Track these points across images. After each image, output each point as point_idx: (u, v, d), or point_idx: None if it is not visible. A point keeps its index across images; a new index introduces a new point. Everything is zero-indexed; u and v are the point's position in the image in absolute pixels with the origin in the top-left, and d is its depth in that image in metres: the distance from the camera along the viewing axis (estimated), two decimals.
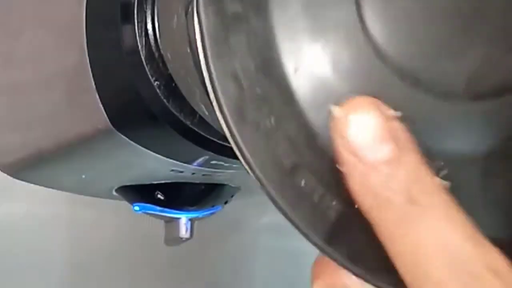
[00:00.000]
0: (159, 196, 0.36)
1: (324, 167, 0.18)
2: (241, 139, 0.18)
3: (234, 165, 0.32)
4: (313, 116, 0.18)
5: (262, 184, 0.18)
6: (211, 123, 0.28)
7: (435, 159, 0.18)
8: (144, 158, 0.30)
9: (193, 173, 0.33)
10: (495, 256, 0.16)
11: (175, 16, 0.25)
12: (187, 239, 0.39)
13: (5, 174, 0.33)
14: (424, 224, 0.16)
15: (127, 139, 0.28)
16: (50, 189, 0.36)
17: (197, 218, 0.39)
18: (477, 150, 0.19)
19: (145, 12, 0.28)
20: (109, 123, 0.27)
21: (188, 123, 0.29)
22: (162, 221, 0.39)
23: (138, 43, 0.28)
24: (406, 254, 0.16)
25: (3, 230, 0.54)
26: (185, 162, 0.31)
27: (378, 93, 0.18)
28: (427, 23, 0.19)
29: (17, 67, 0.31)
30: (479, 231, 0.16)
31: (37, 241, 0.56)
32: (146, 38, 0.28)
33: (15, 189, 0.52)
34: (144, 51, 0.28)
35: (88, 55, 0.27)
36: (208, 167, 0.32)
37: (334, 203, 0.18)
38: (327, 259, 0.18)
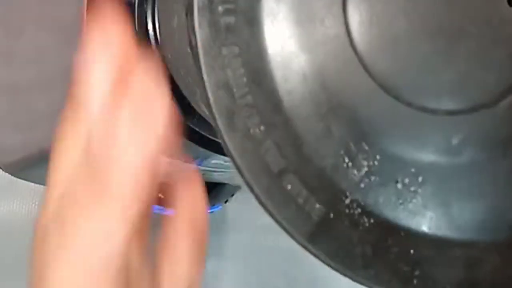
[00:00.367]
0: (159, 195, 0.36)
1: (309, 173, 0.19)
2: (232, 145, 0.19)
3: None
4: (300, 126, 0.19)
5: (250, 187, 0.19)
6: (211, 122, 0.28)
7: (408, 166, 0.19)
8: None
9: None
10: None
11: (175, 16, 0.26)
12: None
13: (6, 174, 0.33)
14: None
15: None
16: None
17: None
18: (452, 162, 0.20)
19: (145, 12, 0.28)
20: None
21: (188, 122, 0.29)
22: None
23: None
24: None
25: (3, 230, 0.54)
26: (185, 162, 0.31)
27: (363, 105, 0.19)
28: (411, 41, 0.19)
29: (18, 67, 0.31)
30: None
31: None
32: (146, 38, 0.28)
33: (15, 189, 0.52)
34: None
35: None
36: (208, 166, 0.32)
37: (317, 206, 0.19)
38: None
